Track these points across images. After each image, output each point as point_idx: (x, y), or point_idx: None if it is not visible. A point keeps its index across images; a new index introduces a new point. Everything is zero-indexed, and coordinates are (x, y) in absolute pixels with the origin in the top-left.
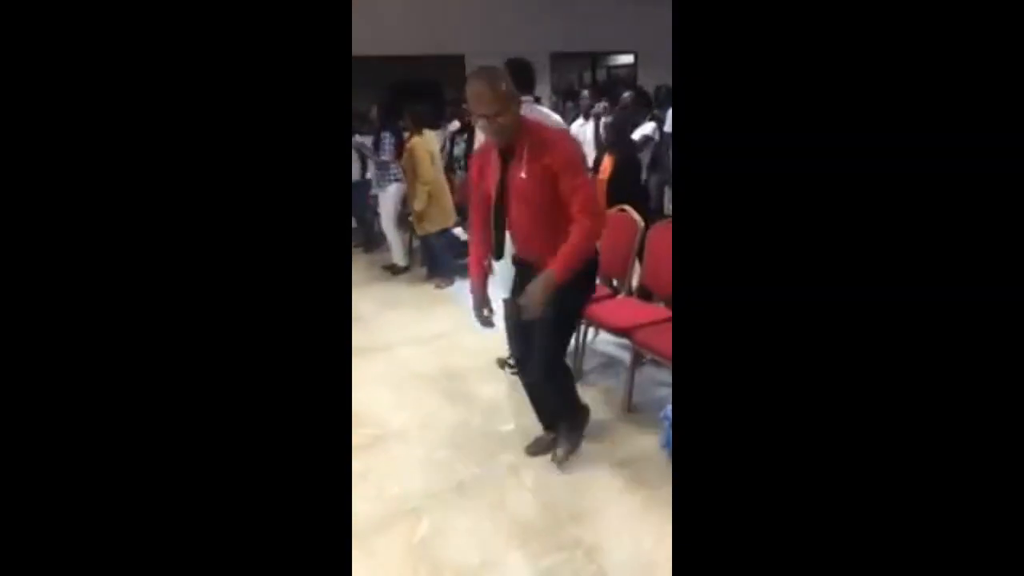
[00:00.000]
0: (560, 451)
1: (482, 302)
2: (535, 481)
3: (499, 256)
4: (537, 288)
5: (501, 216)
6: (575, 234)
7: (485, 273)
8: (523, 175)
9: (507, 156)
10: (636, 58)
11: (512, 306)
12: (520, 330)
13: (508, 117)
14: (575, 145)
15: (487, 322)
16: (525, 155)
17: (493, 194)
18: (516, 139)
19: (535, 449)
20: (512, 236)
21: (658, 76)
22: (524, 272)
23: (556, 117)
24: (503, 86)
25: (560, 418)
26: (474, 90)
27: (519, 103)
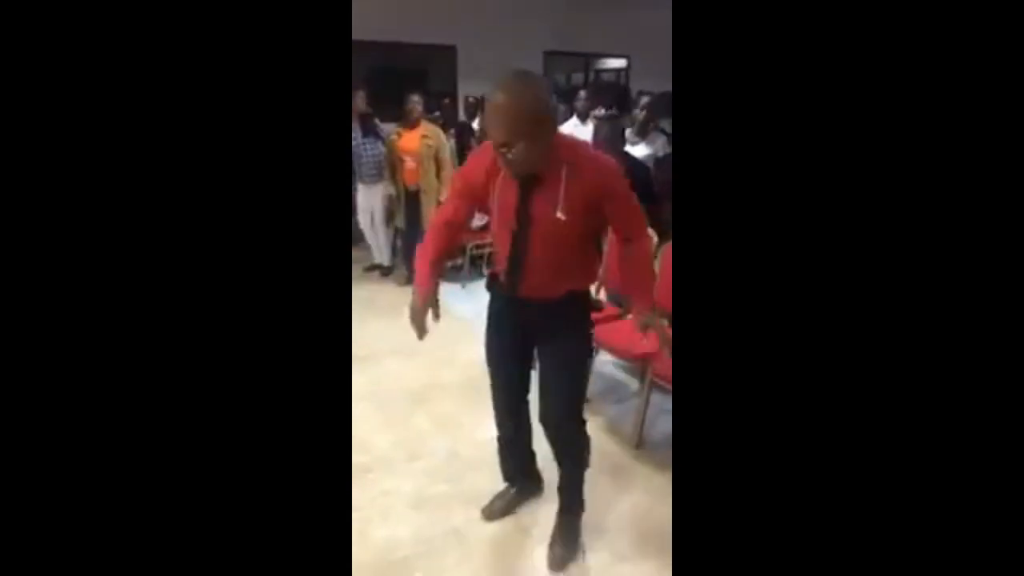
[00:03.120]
0: (557, 552)
1: (425, 310)
2: (542, 531)
3: (513, 292)
4: (658, 332)
5: (521, 252)
6: (638, 258)
7: (437, 281)
8: (560, 215)
9: (527, 183)
10: (628, 62)
11: (500, 343)
12: (509, 375)
13: (522, 150)
14: (613, 164)
15: (422, 329)
16: (562, 190)
17: (511, 223)
18: (544, 169)
19: (494, 509)
20: (524, 273)
21: (648, 82)
22: (523, 310)
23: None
24: (527, 106)
25: (564, 488)
26: (489, 105)
27: (548, 127)
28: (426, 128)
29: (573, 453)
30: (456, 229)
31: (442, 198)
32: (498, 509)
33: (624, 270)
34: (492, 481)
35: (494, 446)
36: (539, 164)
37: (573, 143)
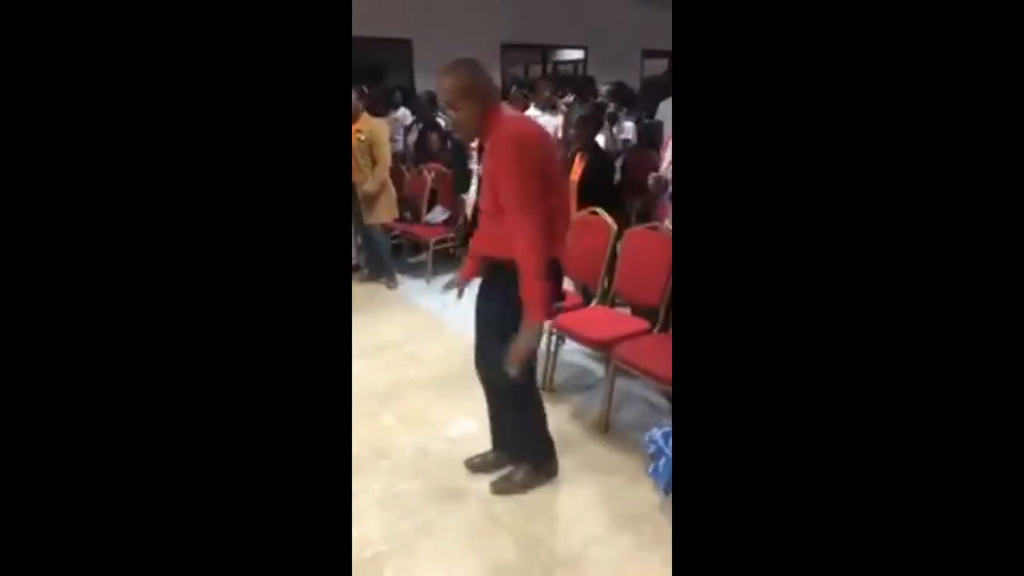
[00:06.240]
0: (501, 483)
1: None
2: (513, 519)
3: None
4: (519, 344)
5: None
6: (520, 262)
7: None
8: (481, 171)
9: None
10: (586, 54)
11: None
12: (477, 329)
13: (462, 113)
14: (523, 145)
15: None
16: (487, 154)
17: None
18: (483, 136)
19: (475, 465)
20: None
21: (605, 72)
22: (485, 270)
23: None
24: (461, 78)
25: (513, 448)
26: (437, 80)
27: (484, 101)
28: (363, 123)
29: (504, 401)
30: None
31: (368, 187)
32: (478, 464)
33: (479, 236)
34: (463, 476)
35: (464, 442)
36: (473, 130)
37: (512, 120)
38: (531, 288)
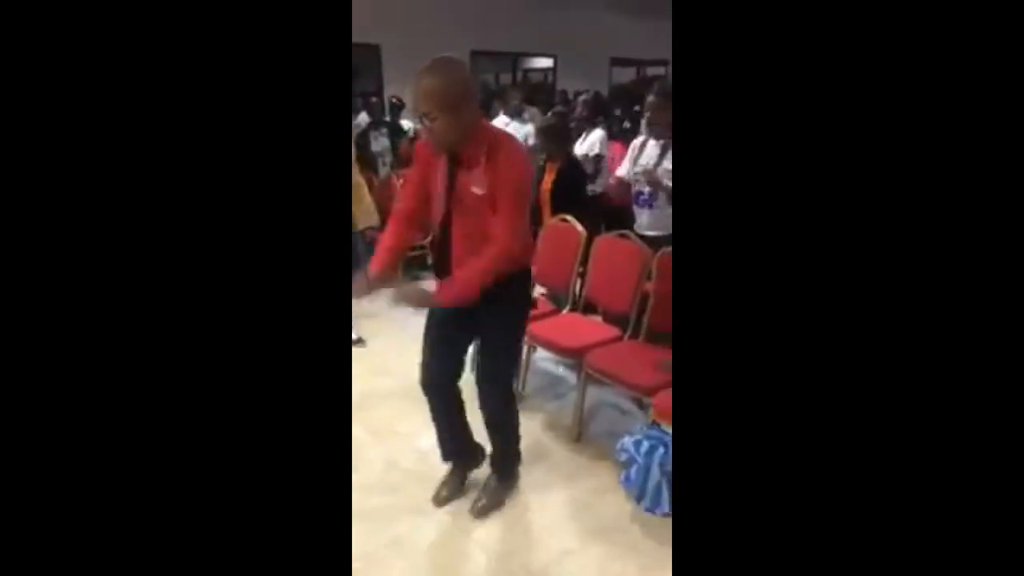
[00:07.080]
0: (484, 503)
1: (368, 285)
2: (486, 532)
3: (440, 274)
4: (413, 294)
5: (447, 229)
6: (481, 259)
7: (392, 266)
8: (476, 190)
9: (455, 162)
10: (555, 61)
11: (435, 317)
12: (442, 343)
13: (443, 122)
14: (522, 161)
15: (359, 292)
16: (482, 167)
17: (441, 203)
18: (468, 148)
19: (447, 494)
20: (451, 250)
21: (575, 80)
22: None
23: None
24: (443, 85)
25: (495, 460)
26: (418, 81)
27: (469, 109)
28: None
29: (500, 426)
30: (411, 218)
31: None
32: (444, 496)
33: (464, 261)
34: (434, 490)
35: (435, 453)
36: (460, 140)
37: (497, 131)
38: (471, 281)
